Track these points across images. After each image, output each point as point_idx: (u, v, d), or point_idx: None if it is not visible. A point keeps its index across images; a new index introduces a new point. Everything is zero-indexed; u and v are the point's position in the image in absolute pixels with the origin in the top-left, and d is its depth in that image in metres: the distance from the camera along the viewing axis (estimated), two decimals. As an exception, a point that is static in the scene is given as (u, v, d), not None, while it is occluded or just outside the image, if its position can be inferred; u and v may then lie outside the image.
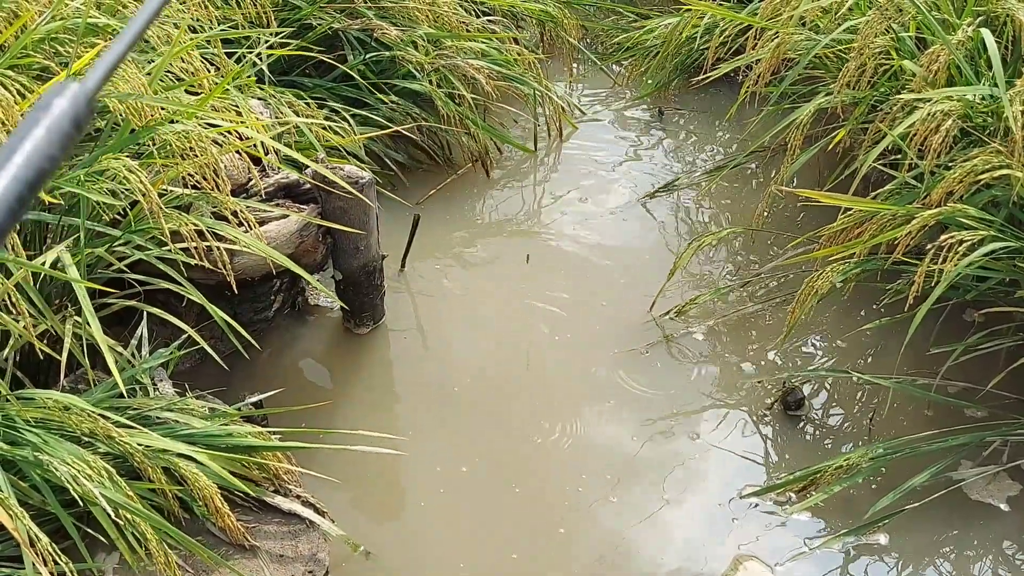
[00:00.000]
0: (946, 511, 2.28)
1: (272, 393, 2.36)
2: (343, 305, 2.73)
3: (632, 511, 2.33)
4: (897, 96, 2.52)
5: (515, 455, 2.47)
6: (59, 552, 1.73)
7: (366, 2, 3.27)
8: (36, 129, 0.47)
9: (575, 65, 4.08)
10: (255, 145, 2.32)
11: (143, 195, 1.97)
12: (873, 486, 2.34)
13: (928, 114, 2.32)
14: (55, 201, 1.96)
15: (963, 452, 2.36)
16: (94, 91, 0.50)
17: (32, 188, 0.46)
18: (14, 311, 1.86)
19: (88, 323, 1.93)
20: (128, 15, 2.41)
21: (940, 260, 2.15)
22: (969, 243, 2.15)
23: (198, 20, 2.58)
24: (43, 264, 1.95)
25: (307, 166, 2.50)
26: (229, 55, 2.75)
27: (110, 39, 2.31)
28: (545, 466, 2.44)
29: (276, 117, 2.64)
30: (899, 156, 2.54)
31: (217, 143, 2.15)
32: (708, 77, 3.30)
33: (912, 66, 2.55)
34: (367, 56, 3.24)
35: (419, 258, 3.05)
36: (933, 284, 2.18)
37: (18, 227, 1.85)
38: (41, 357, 1.96)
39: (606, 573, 2.20)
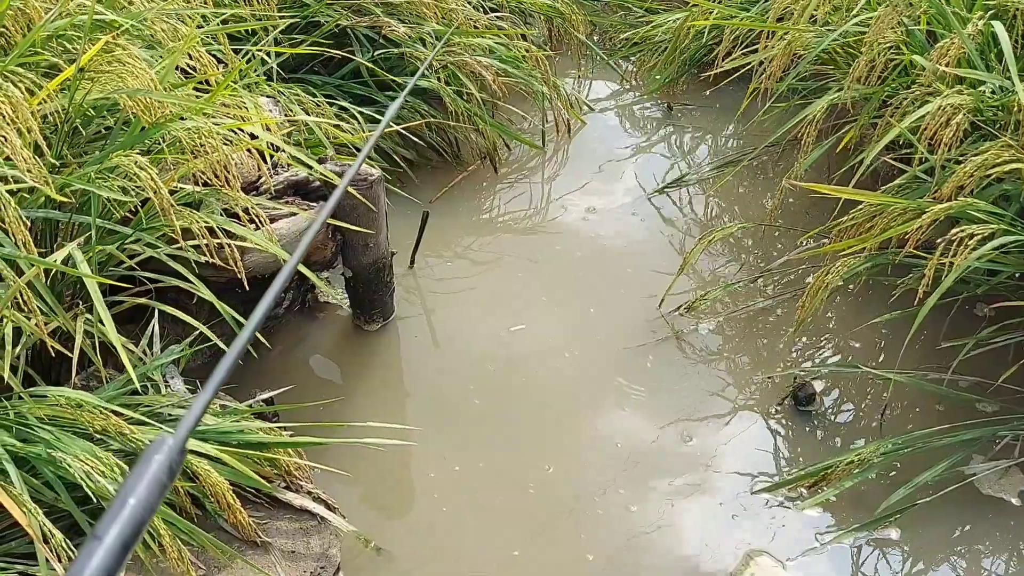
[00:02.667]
0: (958, 506, 2.28)
1: (283, 390, 2.36)
2: (348, 302, 2.73)
3: (642, 507, 2.33)
4: (907, 91, 2.52)
5: (524, 452, 2.47)
6: (73, 548, 1.73)
7: (374, -1, 3.27)
8: (139, 486, 0.60)
9: (583, 61, 4.07)
10: (265, 142, 2.32)
11: (154, 192, 1.97)
12: (884, 481, 2.34)
13: (939, 108, 2.32)
14: (66, 200, 1.96)
15: (974, 447, 2.35)
16: (184, 440, 0.63)
17: (135, 535, 0.58)
18: (26, 308, 1.86)
19: (101, 321, 1.93)
20: (133, 11, 2.42)
21: (950, 254, 2.14)
22: (979, 237, 2.15)
23: (205, 17, 2.58)
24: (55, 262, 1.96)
25: (319, 163, 2.51)
26: (237, 52, 2.76)
27: (116, 35, 2.32)
28: (554, 463, 2.44)
29: (286, 114, 2.65)
30: (909, 151, 2.53)
31: (227, 140, 2.15)
32: (718, 74, 3.30)
33: (923, 60, 2.54)
34: (375, 53, 3.24)
35: (428, 255, 3.06)
36: (944, 279, 2.18)
37: (29, 224, 1.86)
38: (53, 355, 1.96)
39: (617, 568, 2.20)
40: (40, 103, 2.01)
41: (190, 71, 2.38)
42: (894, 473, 2.35)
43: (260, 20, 2.90)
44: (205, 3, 2.59)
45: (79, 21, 2.24)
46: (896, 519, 2.25)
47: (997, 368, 2.41)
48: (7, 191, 1.82)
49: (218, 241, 2.11)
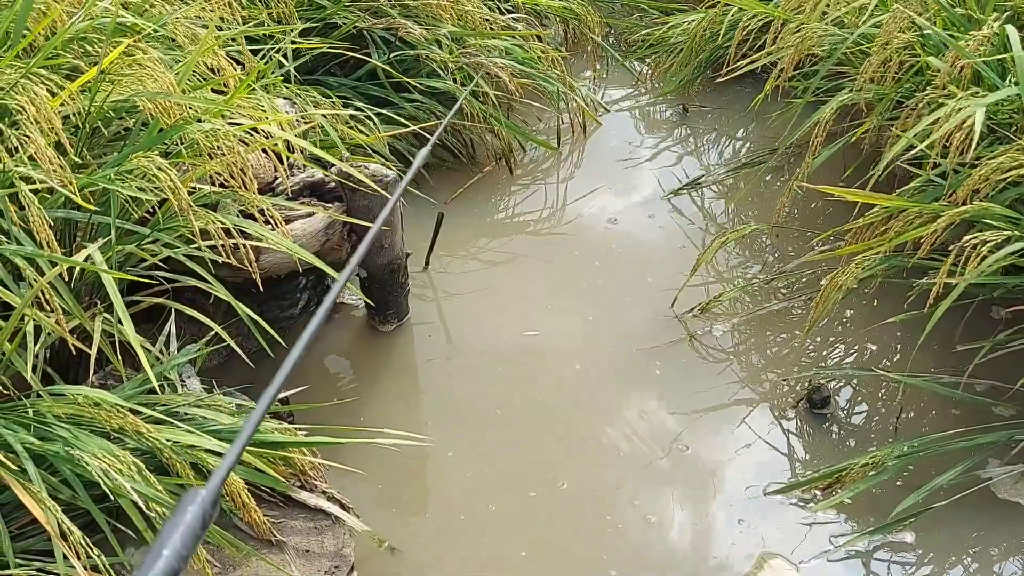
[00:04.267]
0: (973, 510, 2.27)
1: (298, 389, 2.37)
2: (367, 301, 2.75)
3: (655, 508, 2.33)
4: (922, 93, 2.51)
5: (538, 453, 2.47)
6: (90, 545, 1.75)
7: (390, 1, 3.29)
8: (174, 536, 0.63)
9: (598, 63, 4.08)
10: (283, 143, 2.34)
11: (172, 193, 1.99)
12: (899, 484, 2.33)
13: (953, 110, 2.30)
14: (87, 206, 1.98)
15: (991, 451, 2.34)
16: (216, 492, 0.66)
17: None
18: (47, 308, 1.88)
19: (121, 321, 1.95)
20: (154, 15, 2.44)
21: (964, 260, 2.13)
22: (994, 242, 2.13)
23: (224, 19, 2.60)
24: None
25: (332, 164, 2.52)
26: (255, 54, 2.77)
27: (138, 40, 2.34)
28: (568, 464, 2.45)
29: (302, 116, 2.66)
30: (920, 157, 2.52)
31: (244, 142, 2.17)
32: (732, 71, 3.29)
33: (937, 62, 2.53)
34: (391, 55, 3.26)
35: (443, 256, 3.07)
36: (955, 285, 2.16)
37: (51, 224, 1.88)
38: (74, 352, 1.98)
39: (631, 570, 2.21)
40: (62, 104, 2.03)
41: (210, 72, 2.40)
42: (909, 476, 2.35)
43: (278, 23, 2.92)
44: (228, 6, 2.60)
45: (100, 24, 2.26)
46: (911, 522, 2.25)
47: (1014, 371, 2.40)
48: (30, 191, 1.84)
49: (234, 241, 2.12)
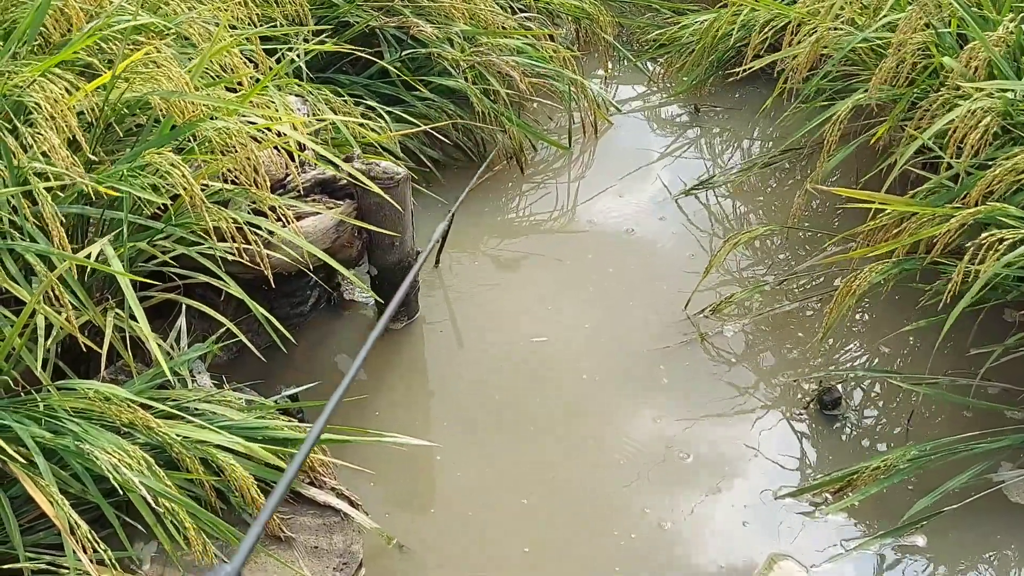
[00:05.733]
0: (985, 513, 2.25)
1: (308, 386, 2.37)
2: (377, 299, 2.75)
3: (665, 510, 2.32)
4: (936, 93, 2.49)
5: (547, 452, 2.47)
6: (99, 540, 1.75)
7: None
8: None
9: (610, 62, 4.07)
10: (294, 141, 2.34)
11: (185, 190, 1.99)
12: (910, 487, 2.32)
13: (968, 111, 2.29)
14: (106, 192, 1.98)
15: (1003, 454, 2.33)
16: (238, 571, 0.69)
17: None
18: (57, 303, 1.89)
19: (134, 317, 1.96)
20: (168, 12, 2.44)
21: (978, 259, 2.12)
22: (1010, 242, 2.12)
23: (238, 19, 2.61)
24: (87, 257, 1.98)
25: (347, 158, 2.52)
26: (268, 52, 2.78)
27: (152, 37, 2.35)
28: (577, 464, 2.44)
29: (314, 114, 2.67)
30: (939, 154, 2.50)
31: (256, 139, 2.17)
32: (746, 70, 3.28)
33: (952, 62, 2.52)
34: (403, 53, 3.26)
35: (453, 254, 3.07)
36: (972, 284, 2.15)
37: (63, 219, 1.88)
38: (86, 349, 1.99)
39: (640, 570, 2.20)
40: (76, 101, 2.04)
41: (223, 71, 2.40)
42: (920, 479, 2.33)
43: (291, 22, 2.93)
44: (243, 5, 2.61)
45: (115, 22, 2.27)
46: (922, 526, 2.23)
47: (1027, 375, 2.39)
48: (44, 187, 1.85)
49: (247, 245, 2.12)
